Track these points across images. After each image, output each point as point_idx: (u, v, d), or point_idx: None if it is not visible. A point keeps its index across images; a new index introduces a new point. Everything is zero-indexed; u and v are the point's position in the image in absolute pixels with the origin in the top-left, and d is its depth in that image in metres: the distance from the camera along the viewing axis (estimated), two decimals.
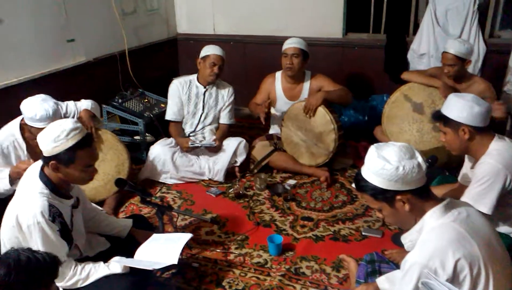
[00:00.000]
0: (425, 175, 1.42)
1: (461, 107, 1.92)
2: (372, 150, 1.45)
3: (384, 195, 1.42)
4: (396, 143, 1.46)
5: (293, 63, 3.20)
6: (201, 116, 3.33)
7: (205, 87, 3.29)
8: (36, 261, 1.10)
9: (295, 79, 3.32)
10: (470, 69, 3.11)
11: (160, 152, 3.16)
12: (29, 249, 1.15)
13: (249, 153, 3.34)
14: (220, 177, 3.17)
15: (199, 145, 3.19)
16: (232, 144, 3.28)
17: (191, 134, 3.35)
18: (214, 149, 3.22)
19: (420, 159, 1.42)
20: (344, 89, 3.26)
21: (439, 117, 2.02)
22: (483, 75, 3.53)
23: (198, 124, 3.34)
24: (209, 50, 3.22)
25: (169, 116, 3.34)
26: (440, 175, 2.64)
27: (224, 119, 3.39)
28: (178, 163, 3.17)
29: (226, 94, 3.36)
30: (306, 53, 3.25)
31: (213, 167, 3.20)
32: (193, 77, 3.34)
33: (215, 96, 3.34)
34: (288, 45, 3.25)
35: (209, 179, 3.22)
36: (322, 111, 3.08)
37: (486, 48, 3.64)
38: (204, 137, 3.35)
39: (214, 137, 3.29)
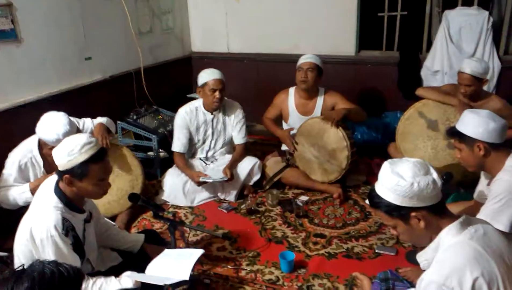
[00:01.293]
0: (441, 192, 1.40)
1: (476, 123, 1.90)
2: (386, 166, 1.44)
3: (399, 212, 1.39)
4: (411, 159, 1.44)
5: (307, 76, 3.22)
6: (211, 142, 3.30)
7: (212, 113, 3.22)
8: (60, 275, 1.08)
9: (309, 95, 3.33)
10: (484, 86, 3.08)
11: (172, 187, 3.12)
12: (55, 262, 1.13)
13: (262, 171, 3.32)
14: (232, 198, 3.16)
15: (211, 181, 3.05)
16: (246, 166, 3.21)
17: (202, 158, 3.33)
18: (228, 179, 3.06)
19: (435, 175, 1.40)
20: (359, 108, 3.29)
21: (454, 133, 2.00)
22: (498, 93, 3.50)
23: (208, 150, 3.31)
24: (206, 76, 3.10)
25: (177, 147, 3.21)
26: (455, 192, 2.60)
27: (237, 139, 3.30)
28: (190, 190, 3.12)
29: (234, 115, 3.27)
30: (320, 69, 3.27)
31: (226, 189, 3.16)
32: (199, 103, 3.23)
33: (223, 120, 3.26)
34: (303, 60, 3.28)
35: (221, 199, 3.20)
36: (335, 128, 3.07)
37: (501, 65, 3.61)
38: (215, 158, 3.31)
39: (223, 168, 3.10)
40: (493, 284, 1.29)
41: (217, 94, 3.07)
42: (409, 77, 3.91)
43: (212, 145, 3.29)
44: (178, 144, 3.21)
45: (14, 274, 1.07)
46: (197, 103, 3.25)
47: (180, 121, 3.20)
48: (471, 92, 2.89)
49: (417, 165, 1.41)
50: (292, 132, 3.34)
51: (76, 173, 1.80)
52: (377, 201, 1.43)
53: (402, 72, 3.95)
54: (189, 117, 3.19)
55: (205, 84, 3.09)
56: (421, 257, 1.47)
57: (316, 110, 3.32)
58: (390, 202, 1.39)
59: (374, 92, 4.16)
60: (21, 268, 1.09)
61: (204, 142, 3.29)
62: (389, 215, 1.42)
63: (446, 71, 3.73)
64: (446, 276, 1.28)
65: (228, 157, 3.28)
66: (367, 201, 1.57)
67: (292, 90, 3.44)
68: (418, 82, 3.88)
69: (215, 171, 3.16)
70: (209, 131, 3.25)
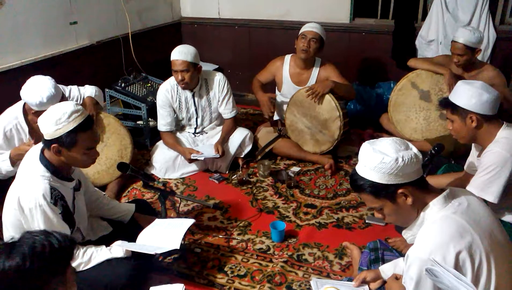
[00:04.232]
0: (429, 164, 1.38)
1: (470, 95, 1.88)
2: (366, 146, 1.41)
3: (385, 191, 1.37)
4: (387, 138, 1.44)
5: (310, 46, 3.13)
6: (197, 119, 3.17)
7: (191, 91, 3.06)
8: (51, 247, 1.05)
9: (305, 65, 3.26)
10: (479, 56, 3.05)
11: (162, 162, 3.05)
12: (44, 233, 1.09)
13: (254, 141, 3.27)
14: (223, 170, 3.13)
15: (202, 158, 2.96)
16: (237, 138, 3.14)
17: (192, 134, 3.23)
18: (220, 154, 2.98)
19: (415, 149, 1.40)
20: (350, 86, 3.24)
21: (446, 105, 1.98)
22: (493, 63, 3.47)
23: (196, 127, 3.21)
24: (172, 54, 2.90)
25: (162, 127, 3.09)
26: (446, 164, 2.61)
27: (226, 113, 3.15)
28: (181, 164, 3.06)
29: (218, 89, 3.09)
30: (323, 42, 3.19)
31: (217, 162, 3.11)
32: None
33: (206, 95, 3.09)
34: (308, 28, 3.16)
35: (213, 171, 3.16)
36: (328, 98, 3.04)
37: (496, 35, 3.57)
38: (205, 131, 3.22)
39: (215, 143, 3.02)
40: (476, 257, 1.30)
41: (179, 76, 2.90)
42: (404, 46, 3.86)
43: (199, 122, 3.18)
44: (163, 123, 3.10)
45: (4, 249, 1.04)
46: None
47: (161, 100, 3.07)
48: (463, 61, 2.87)
49: (397, 141, 1.40)
50: (283, 92, 3.28)
51: (64, 142, 1.76)
52: (361, 184, 1.40)
53: (397, 41, 3.89)
54: (170, 94, 3.05)
55: (171, 63, 2.92)
56: (407, 233, 1.48)
57: (310, 81, 3.26)
58: (376, 181, 1.37)
59: (368, 61, 4.11)
60: (10, 241, 1.07)
61: (189, 120, 3.18)
62: (375, 196, 1.40)
63: (441, 41, 3.69)
64: (430, 251, 1.29)
65: (219, 129, 3.22)
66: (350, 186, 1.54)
67: (288, 57, 3.36)
68: (413, 52, 3.84)
69: (206, 145, 3.10)
70: (192, 109, 3.11)
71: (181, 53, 2.87)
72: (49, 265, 1.02)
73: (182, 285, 1.84)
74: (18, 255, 1.01)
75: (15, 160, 2.35)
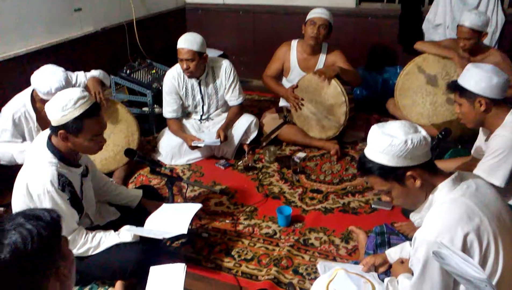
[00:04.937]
0: (436, 148, 1.38)
1: (479, 78, 1.86)
2: (375, 129, 1.41)
3: (394, 173, 1.37)
4: (396, 121, 1.43)
5: (320, 33, 3.09)
6: (203, 107, 3.14)
7: (197, 79, 3.04)
8: (32, 240, 0.95)
9: (313, 50, 3.23)
10: (487, 40, 3.02)
11: (168, 149, 3.04)
12: (25, 215, 0.99)
13: (259, 127, 3.27)
14: (229, 156, 3.12)
15: (202, 145, 2.95)
16: (242, 124, 3.13)
17: (198, 120, 3.22)
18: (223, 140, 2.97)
19: (424, 132, 1.39)
20: (356, 72, 3.21)
21: (455, 88, 1.96)
22: (500, 47, 3.43)
23: (202, 115, 3.19)
24: (179, 42, 2.86)
25: (168, 114, 3.08)
26: (452, 148, 2.60)
27: (232, 100, 3.13)
28: (187, 150, 3.05)
29: (224, 76, 3.06)
30: (331, 28, 3.15)
31: (222, 148, 3.10)
32: None
33: (212, 83, 3.06)
34: (317, 14, 3.11)
35: (219, 157, 3.16)
36: (334, 83, 3.02)
37: (505, 19, 3.51)
38: (211, 118, 3.20)
39: (217, 132, 2.99)
40: (484, 239, 1.30)
41: (184, 64, 2.87)
42: (410, 30, 3.81)
43: (205, 110, 3.17)
44: (169, 110, 3.09)
45: None
46: None
47: (167, 86, 3.05)
48: (470, 45, 2.83)
49: (406, 124, 1.40)
50: (290, 78, 3.24)
51: (70, 128, 1.77)
52: (370, 166, 1.40)
53: (403, 26, 3.85)
54: (176, 82, 3.03)
55: (178, 52, 2.89)
56: (415, 215, 1.48)
57: (317, 66, 3.23)
58: (384, 164, 1.37)
59: (374, 46, 4.07)
60: None
61: (196, 107, 3.16)
62: (384, 178, 1.40)
63: (448, 25, 3.63)
64: (438, 233, 1.29)
65: (225, 115, 3.19)
66: (357, 169, 1.53)
67: (294, 43, 3.32)
68: (419, 36, 3.79)
69: (211, 132, 3.09)
70: (198, 97, 3.09)
71: (187, 42, 2.84)
72: (44, 247, 0.96)
73: (184, 264, 1.83)
74: (9, 246, 0.92)
75: None
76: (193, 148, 3.00)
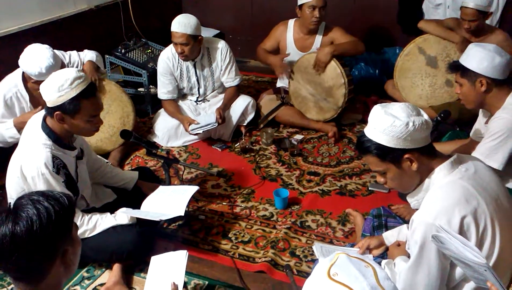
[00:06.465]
0: (435, 131, 1.36)
1: (482, 57, 1.84)
2: (378, 108, 1.39)
3: (392, 155, 1.36)
4: (400, 103, 1.42)
5: (321, 16, 3.03)
6: (199, 89, 3.10)
7: (192, 61, 2.97)
8: (54, 207, 1.01)
9: (310, 30, 3.18)
10: (488, 20, 2.96)
11: (164, 130, 3.00)
12: (43, 194, 1.03)
13: (257, 109, 3.23)
14: (226, 138, 3.10)
15: (201, 131, 2.91)
16: (239, 106, 3.09)
17: (194, 102, 3.16)
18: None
19: (426, 116, 1.38)
20: (353, 41, 3.09)
21: (456, 67, 1.93)
22: (501, 27, 3.38)
23: (198, 96, 3.14)
24: (172, 25, 2.79)
25: (163, 95, 3.03)
26: (450, 131, 2.59)
27: (228, 82, 3.08)
28: (183, 132, 3.01)
29: (219, 56, 3.00)
30: (326, 3, 3.08)
31: (219, 130, 3.07)
32: None
33: (208, 65, 3.01)
34: None
35: (216, 139, 3.13)
36: (333, 64, 2.97)
37: None
38: (207, 99, 3.16)
39: (216, 109, 2.95)
40: (481, 222, 1.31)
41: (178, 48, 2.81)
42: (410, 10, 3.75)
43: (201, 92, 3.12)
44: (164, 92, 3.04)
45: (7, 214, 1.01)
46: None
47: (162, 67, 2.99)
48: (475, 27, 2.79)
49: (409, 106, 1.39)
50: (286, 59, 3.16)
51: (67, 109, 1.74)
52: (368, 145, 1.39)
53: (403, 5, 3.79)
54: (171, 63, 2.97)
55: (171, 35, 2.82)
56: (412, 197, 1.48)
57: (314, 46, 3.17)
58: (383, 144, 1.36)
59: (373, 26, 4.00)
60: (11, 207, 1.04)
61: (191, 89, 3.12)
62: (381, 159, 1.39)
63: (448, 5, 3.57)
64: (435, 215, 1.29)
65: (221, 96, 3.15)
66: (356, 146, 1.52)
67: (291, 22, 3.26)
68: (419, 16, 3.72)
69: (207, 114, 3.04)
70: (194, 79, 3.04)
71: (180, 25, 2.77)
72: (56, 227, 1.01)
73: (185, 251, 1.84)
74: (25, 219, 0.98)
75: (20, 129, 2.33)
76: (191, 134, 2.96)
